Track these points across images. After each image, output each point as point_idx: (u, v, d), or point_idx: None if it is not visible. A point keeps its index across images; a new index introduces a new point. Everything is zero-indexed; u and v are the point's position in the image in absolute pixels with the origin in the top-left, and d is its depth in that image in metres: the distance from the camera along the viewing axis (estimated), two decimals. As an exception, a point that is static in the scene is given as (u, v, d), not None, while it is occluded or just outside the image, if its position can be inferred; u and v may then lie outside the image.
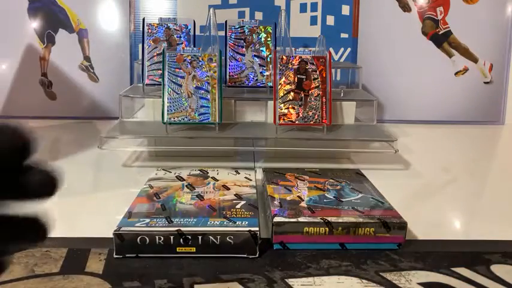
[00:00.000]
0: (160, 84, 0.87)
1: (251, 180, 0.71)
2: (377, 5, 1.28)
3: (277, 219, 0.57)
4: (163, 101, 0.85)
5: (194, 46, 0.94)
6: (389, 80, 1.30)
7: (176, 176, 0.72)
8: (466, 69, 1.30)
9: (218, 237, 0.54)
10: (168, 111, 0.85)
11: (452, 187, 0.83)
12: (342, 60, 1.27)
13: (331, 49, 1.25)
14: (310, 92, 0.87)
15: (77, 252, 0.55)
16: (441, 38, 1.28)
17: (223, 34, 0.97)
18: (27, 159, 0.27)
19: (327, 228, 0.56)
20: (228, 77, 0.97)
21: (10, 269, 0.51)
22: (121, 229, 0.54)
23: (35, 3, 1.24)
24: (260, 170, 0.80)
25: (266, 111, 0.93)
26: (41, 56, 1.25)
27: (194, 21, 0.98)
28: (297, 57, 0.87)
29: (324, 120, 0.87)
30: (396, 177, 0.86)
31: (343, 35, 1.27)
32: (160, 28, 0.97)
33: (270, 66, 0.96)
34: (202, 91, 0.86)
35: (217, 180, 0.71)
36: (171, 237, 0.54)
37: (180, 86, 0.86)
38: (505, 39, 1.29)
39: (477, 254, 0.56)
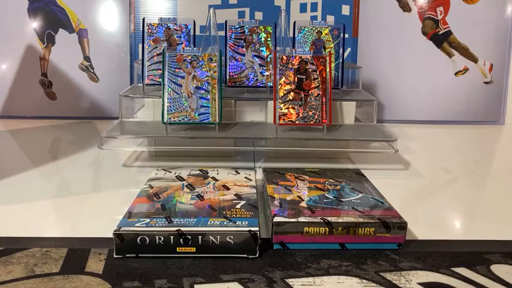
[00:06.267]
0: (160, 84, 0.87)
1: (251, 180, 0.71)
2: (377, 5, 1.28)
3: (277, 219, 0.57)
4: (163, 101, 0.85)
5: (194, 46, 0.94)
6: (389, 80, 1.30)
7: (176, 176, 0.72)
8: (466, 69, 1.30)
9: (218, 237, 0.54)
10: (168, 111, 0.85)
11: (452, 187, 0.83)
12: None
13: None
14: (310, 92, 0.87)
15: (77, 252, 0.55)
16: (441, 38, 1.28)
17: (223, 34, 0.97)
18: None
19: (327, 228, 0.56)
20: (228, 77, 0.97)
21: (10, 269, 0.51)
22: (121, 229, 0.54)
23: (35, 3, 1.24)
24: (260, 170, 0.80)
25: (266, 111, 0.93)
26: (41, 56, 1.26)
27: (194, 21, 0.98)
28: (297, 57, 0.87)
29: (323, 120, 0.87)
30: (396, 177, 0.86)
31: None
32: (160, 28, 0.97)
33: (270, 66, 0.96)
34: (202, 91, 0.86)
35: (217, 180, 0.71)
36: (171, 237, 0.54)
37: (180, 86, 0.86)
38: (505, 39, 1.29)
39: (477, 254, 0.56)
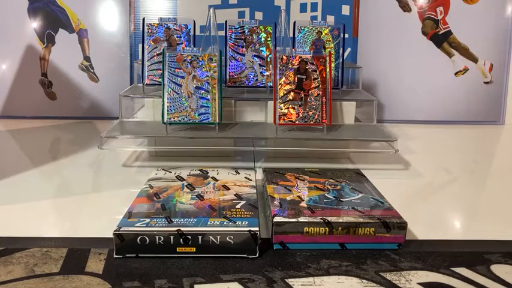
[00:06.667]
0: (160, 84, 0.87)
1: (251, 180, 0.71)
2: (377, 5, 1.28)
3: (277, 219, 0.57)
4: (163, 101, 0.85)
5: (194, 46, 0.94)
6: (389, 80, 1.30)
7: (176, 176, 0.72)
8: (466, 69, 1.30)
9: (218, 237, 0.54)
10: (168, 111, 0.85)
11: (452, 187, 0.83)
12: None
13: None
14: (310, 92, 0.87)
15: (77, 252, 0.55)
16: (441, 38, 1.28)
17: (223, 34, 0.97)
18: None
19: (327, 228, 0.56)
20: (228, 77, 0.97)
21: (10, 269, 0.51)
22: (121, 229, 0.54)
23: (35, 3, 1.24)
24: (260, 170, 0.80)
25: (266, 111, 0.93)
26: (41, 56, 1.26)
27: (194, 21, 0.98)
28: (297, 57, 0.87)
29: (323, 120, 0.87)
30: (396, 177, 0.86)
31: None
32: (160, 28, 0.97)
33: (270, 66, 0.96)
34: (202, 91, 0.86)
35: (217, 180, 0.71)
36: (171, 237, 0.54)
37: (180, 86, 0.86)
38: (505, 39, 1.29)
39: (477, 254, 0.56)
